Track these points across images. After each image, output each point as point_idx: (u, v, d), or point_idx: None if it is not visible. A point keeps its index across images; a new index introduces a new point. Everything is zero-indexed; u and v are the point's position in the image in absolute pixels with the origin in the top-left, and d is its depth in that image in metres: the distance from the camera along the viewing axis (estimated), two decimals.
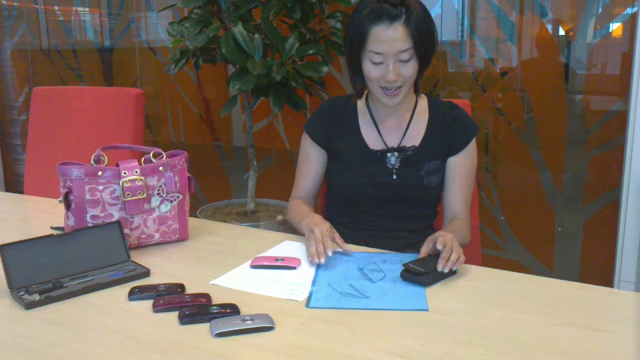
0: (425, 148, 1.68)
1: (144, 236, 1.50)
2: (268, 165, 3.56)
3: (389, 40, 1.50)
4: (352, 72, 1.65)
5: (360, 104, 1.74)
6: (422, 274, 1.29)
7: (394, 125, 1.70)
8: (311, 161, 1.75)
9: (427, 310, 1.17)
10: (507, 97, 2.91)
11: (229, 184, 3.80)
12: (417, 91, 1.71)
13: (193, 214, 3.23)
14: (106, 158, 1.46)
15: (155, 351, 1.02)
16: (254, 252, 1.48)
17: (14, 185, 4.71)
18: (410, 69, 1.55)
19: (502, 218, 3.01)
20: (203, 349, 1.02)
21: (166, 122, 3.95)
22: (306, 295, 1.24)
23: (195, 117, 3.83)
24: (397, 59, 1.52)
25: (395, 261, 1.42)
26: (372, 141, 1.70)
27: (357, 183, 1.68)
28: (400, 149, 1.68)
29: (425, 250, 1.40)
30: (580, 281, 1.31)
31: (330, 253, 1.39)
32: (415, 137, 1.69)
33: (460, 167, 1.69)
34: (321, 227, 1.46)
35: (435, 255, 1.36)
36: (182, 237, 1.57)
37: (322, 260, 1.37)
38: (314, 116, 1.77)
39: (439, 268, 1.30)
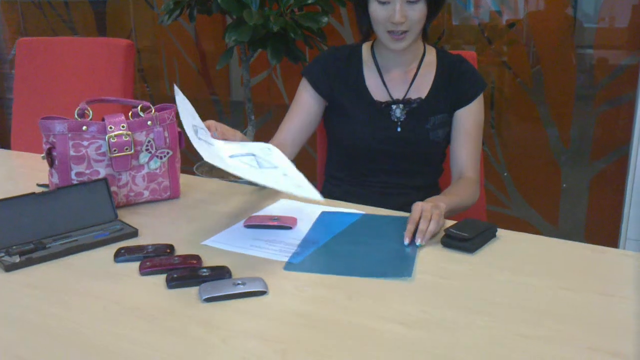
0: (431, 101, 1.60)
1: (132, 194, 1.43)
2: (266, 120, 3.47)
3: None
4: (359, 12, 1.57)
5: (366, 52, 1.65)
6: (467, 239, 1.21)
7: (399, 76, 1.61)
8: (305, 108, 1.65)
9: (410, 277, 1.09)
10: (513, 50, 2.81)
11: None
12: (425, 39, 1.62)
13: (190, 169, 3.17)
14: (91, 112, 1.38)
15: (140, 317, 0.96)
16: (248, 211, 1.41)
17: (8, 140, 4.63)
18: (418, 12, 1.46)
19: (506, 174, 2.93)
20: (190, 316, 0.96)
21: (162, 76, 3.85)
22: (302, 258, 1.17)
23: (192, 71, 3.73)
24: None
25: (388, 225, 1.33)
26: (377, 92, 1.61)
27: (360, 136, 1.60)
28: (405, 101, 1.60)
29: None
30: (586, 239, 1.24)
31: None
32: (421, 89, 1.61)
33: (467, 121, 1.62)
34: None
35: (474, 220, 1.28)
36: (173, 195, 1.50)
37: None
38: (315, 62, 1.67)
39: (406, 242, 1.22)
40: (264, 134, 3.34)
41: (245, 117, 3.03)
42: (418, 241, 1.21)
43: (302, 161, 1.58)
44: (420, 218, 1.25)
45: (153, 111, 1.42)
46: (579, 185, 2.83)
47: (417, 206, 1.28)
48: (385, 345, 0.88)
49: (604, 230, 2.80)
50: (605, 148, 2.74)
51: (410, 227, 1.24)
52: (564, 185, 2.85)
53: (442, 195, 1.47)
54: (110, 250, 1.19)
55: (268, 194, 1.57)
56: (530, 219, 2.94)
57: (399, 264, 1.14)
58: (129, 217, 1.38)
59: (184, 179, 1.66)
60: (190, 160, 3.57)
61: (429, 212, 1.26)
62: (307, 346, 0.87)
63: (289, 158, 1.59)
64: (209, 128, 1.33)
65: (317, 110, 1.65)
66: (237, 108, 3.66)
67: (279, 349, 0.87)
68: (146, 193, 1.45)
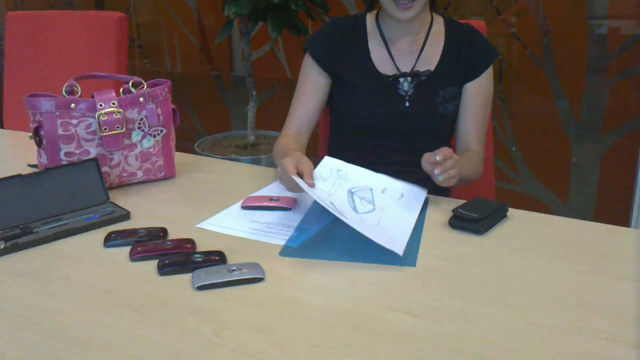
0: (441, 73, 1.52)
1: (125, 174, 1.37)
2: (269, 95, 3.39)
3: None
4: None
5: (370, 23, 1.56)
6: (476, 220, 1.14)
7: (406, 47, 1.53)
8: (313, 87, 1.56)
9: (400, 254, 1.03)
10: (523, 20, 2.72)
11: (228, 115, 3.65)
12: (433, 7, 1.54)
13: (190, 147, 3.11)
14: (79, 89, 1.31)
15: (128, 307, 0.90)
16: (247, 191, 1.35)
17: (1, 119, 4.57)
18: None
19: (514, 149, 2.86)
20: (182, 305, 0.90)
21: (162, 52, 3.77)
22: (300, 241, 1.11)
23: (193, 46, 3.65)
24: None
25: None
26: (383, 65, 1.53)
27: (366, 112, 1.53)
28: (413, 74, 1.52)
29: (425, 163, 1.26)
30: (596, 215, 1.17)
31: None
32: (430, 60, 1.53)
33: (477, 95, 1.54)
34: (286, 168, 1.21)
35: (484, 200, 1.22)
36: (168, 174, 1.43)
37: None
38: (318, 34, 1.59)
39: (437, 173, 1.21)
40: (266, 110, 3.27)
41: (247, 93, 2.96)
42: (442, 175, 1.21)
43: None
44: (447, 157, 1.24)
45: (145, 87, 1.35)
46: (590, 160, 2.75)
47: (447, 149, 1.26)
48: (390, 336, 0.82)
49: (615, 206, 2.73)
50: (618, 121, 2.66)
51: (433, 157, 1.23)
52: (574, 159, 2.77)
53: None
54: (101, 234, 1.14)
55: (269, 172, 1.50)
56: (539, 195, 2.87)
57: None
58: (122, 198, 1.32)
59: (182, 157, 1.59)
60: (191, 137, 3.51)
61: (454, 160, 1.25)
62: (306, 337, 0.82)
63: (304, 144, 1.52)
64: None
65: (325, 87, 1.57)
66: (239, 83, 3.59)
67: (276, 340, 0.81)
68: (139, 173, 1.38)
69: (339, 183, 1.23)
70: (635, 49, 2.54)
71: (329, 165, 1.28)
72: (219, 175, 1.50)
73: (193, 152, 2.99)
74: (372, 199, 1.22)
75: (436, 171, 1.22)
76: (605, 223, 1.19)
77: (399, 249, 1.03)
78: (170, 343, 0.81)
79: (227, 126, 3.64)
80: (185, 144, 3.27)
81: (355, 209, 1.15)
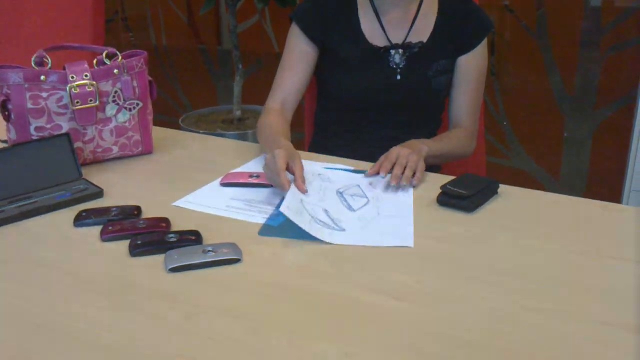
0: (433, 45, 1.46)
1: (100, 150, 1.31)
2: (256, 69, 3.31)
3: None
4: None
5: None
6: (465, 197, 1.09)
7: (398, 18, 1.47)
8: (299, 57, 1.49)
9: (411, 246, 0.97)
10: None
11: (215, 90, 3.57)
12: None
13: (174, 121, 3.04)
14: (50, 60, 1.24)
15: (96, 291, 0.84)
16: (228, 168, 1.29)
17: None
18: None
19: (505, 123, 2.81)
20: (153, 288, 0.85)
21: (147, 25, 3.67)
22: (281, 220, 1.05)
23: (179, 19, 3.55)
24: None
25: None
26: (374, 37, 1.47)
27: (356, 85, 1.47)
28: (405, 46, 1.46)
29: (378, 164, 1.23)
30: (587, 191, 1.12)
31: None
32: (422, 32, 1.47)
33: (470, 68, 1.49)
34: (271, 166, 1.13)
35: (474, 176, 1.17)
36: (146, 150, 1.37)
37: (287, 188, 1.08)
38: (305, 3, 1.51)
39: (381, 173, 1.18)
40: (253, 84, 3.19)
41: (233, 66, 2.88)
42: (393, 182, 1.17)
43: None
44: (396, 163, 1.20)
45: (120, 58, 1.29)
46: (582, 135, 2.70)
47: (393, 152, 1.23)
48: (372, 321, 0.77)
49: (607, 182, 2.70)
50: (611, 95, 2.61)
51: (386, 165, 1.20)
52: (566, 134, 2.73)
53: (426, 139, 1.36)
54: (72, 213, 1.08)
55: (252, 148, 1.44)
56: (531, 170, 2.82)
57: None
58: (96, 175, 1.26)
59: (161, 132, 1.53)
60: (176, 112, 3.44)
61: (404, 159, 1.21)
62: (283, 323, 0.77)
63: (289, 119, 1.45)
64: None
65: (313, 58, 1.50)
66: (226, 57, 3.50)
67: (250, 326, 0.76)
68: (115, 149, 1.32)
69: (325, 186, 1.18)
70: (629, 22, 2.48)
71: (310, 168, 1.22)
72: (200, 150, 1.44)
73: (177, 127, 2.93)
74: (363, 193, 1.17)
75: (392, 183, 1.17)
76: (597, 199, 1.14)
77: (409, 241, 0.98)
78: (138, 330, 0.76)
79: (214, 101, 3.57)
80: (171, 119, 3.20)
81: (350, 208, 1.10)
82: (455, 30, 1.47)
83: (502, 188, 1.18)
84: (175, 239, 0.96)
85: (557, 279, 0.87)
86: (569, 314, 0.79)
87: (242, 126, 2.84)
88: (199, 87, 3.61)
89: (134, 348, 0.72)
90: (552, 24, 2.61)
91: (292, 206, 1.01)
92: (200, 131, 2.76)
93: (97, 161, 1.33)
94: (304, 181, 1.11)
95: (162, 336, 0.74)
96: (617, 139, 2.63)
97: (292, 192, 1.06)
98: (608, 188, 2.69)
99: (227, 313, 0.79)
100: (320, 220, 1.03)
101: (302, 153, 1.38)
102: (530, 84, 2.75)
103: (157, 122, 1.46)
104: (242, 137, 2.71)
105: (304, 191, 1.09)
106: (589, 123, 2.68)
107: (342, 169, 1.27)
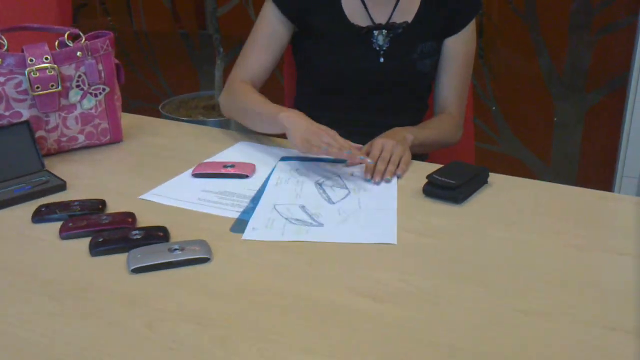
0: (419, 25, 1.38)
1: (64, 139, 1.22)
2: (238, 53, 3.22)
3: None
4: None
5: None
6: (453, 187, 1.02)
7: None
8: (270, 35, 1.40)
9: (394, 243, 0.89)
10: None
11: (197, 76, 3.47)
12: None
13: (154, 107, 2.94)
14: (6, 41, 1.15)
15: (50, 294, 0.77)
16: (203, 157, 1.22)
17: None
18: None
19: (494, 108, 2.74)
20: (113, 291, 0.77)
21: (126, 9, 3.56)
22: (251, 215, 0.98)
23: (159, 2, 3.44)
24: None
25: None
26: (356, 16, 1.38)
27: (336, 68, 1.39)
28: (389, 26, 1.37)
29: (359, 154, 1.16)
30: (579, 177, 1.06)
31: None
32: (407, 11, 1.39)
33: (458, 51, 1.41)
34: (327, 130, 1.15)
35: (462, 163, 1.10)
36: (114, 138, 1.29)
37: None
38: None
39: (366, 177, 1.12)
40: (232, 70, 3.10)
41: (214, 50, 2.79)
42: (377, 179, 1.11)
43: (269, 91, 1.37)
44: (379, 157, 1.14)
45: (83, 40, 1.20)
46: (573, 119, 2.64)
47: (377, 144, 1.17)
48: (351, 325, 0.70)
49: (598, 167, 2.64)
50: (602, 78, 2.54)
51: (369, 166, 1.13)
52: (556, 119, 2.66)
53: (411, 127, 1.29)
54: (32, 207, 1.00)
55: (228, 136, 1.36)
56: (521, 156, 2.76)
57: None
58: (60, 166, 1.17)
59: (133, 119, 1.45)
60: (156, 96, 3.34)
61: (388, 152, 1.16)
62: (254, 330, 0.70)
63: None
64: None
65: (284, 38, 1.42)
66: (209, 42, 3.40)
67: (217, 335, 0.69)
68: (81, 137, 1.24)
69: (302, 180, 1.11)
70: (620, 2, 2.41)
71: (286, 167, 1.15)
72: (173, 138, 1.36)
73: (158, 114, 2.84)
74: (343, 183, 1.09)
75: (376, 179, 1.11)
76: (588, 186, 1.08)
77: (391, 237, 0.91)
78: (93, 338, 0.68)
79: (196, 87, 3.47)
80: (151, 106, 3.11)
81: (329, 200, 1.03)
82: (442, 10, 1.39)
83: (493, 177, 1.11)
84: (140, 236, 0.88)
85: (553, 278, 0.80)
86: (567, 317, 0.72)
87: None
88: (180, 72, 3.51)
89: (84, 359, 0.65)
90: (541, 4, 2.54)
91: (260, 221, 0.95)
92: (181, 118, 2.67)
93: (62, 151, 1.24)
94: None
95: (119, 345, 0.67)
96: (609, 123, 2.57)
97: (263, 203, 1.01)
98: (600, 174, 2.63)
99: (192, 319, 0.71)
100: (297, 220, 0.96)
101: (280, 140, 1.31)
102: (519, 67, 2.68)
103: (137, 109, 1.38)
104: (224, 124, 2.62)
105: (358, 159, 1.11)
106: (579, 107, 2.61)
107: (321, 159, 1.20)
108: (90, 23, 3.60)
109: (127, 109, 1.40)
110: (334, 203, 1.02)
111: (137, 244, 0.87)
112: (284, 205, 1.01)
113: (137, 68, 3.54)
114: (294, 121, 1.17)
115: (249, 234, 0.91)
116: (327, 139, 1.12)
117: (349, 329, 0.70)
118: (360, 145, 1.16)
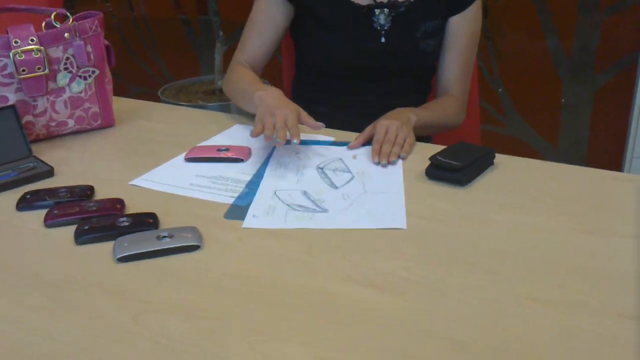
0: (422, 4, 1.33)
1: (53, 124, 1.18)
2: (238, 37, 3.16)
3: None
4: None
5: None
6: (458, 169, 0.97)
7: None
8: (270, 17, 1.36)
9: (404, 228, 0.85)
10: None
11: (197, 60, 3.42)
12: None
13: (154, 93, 2.89)
14: None
15: (32, 286, 0.73)
16: (196, 141, 1.17)
17: None
18: None
19: (501, 89, 2.68)
20: (99, 282, 0.73)
21: None
22: (250, 200, 0.93)
23: None
24: None
25: (369, 156, 1.10)
26: None
27: (336, 48, 1.34)
28: (391, 5, 1.32)
29: (363, 136, 1.15)
30: (587, 158, 1.01)
31: (297, 141, 1.02)
32: None
33: (462, 31, 1.36)
34: (285, 109, 1.07)
35: (467, 144, 1.05)
36: (106, 123, 1.25)
37: (282, 143, 1.00)
38: None
39: (374, 160, 1.07)
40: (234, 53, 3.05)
41: (214, 35, 2.74)
42: (382, 161, 1.07)
43: (267, 72, 1.32)
44: (384, 139, 1.11)
45: (71, 20, 1.15)
46: (581, 101, 2.58)
47: (382, 126, 1.13)
48: (349, 317, 0.66)
49: (607, 149, 2.58)
50: (611, 58, 2.48)
51: (375, 147, 1.10)
52: (564, 100, 2.60)
53: (414, 108, 1.25)
54: (18, 194, 0.96)
55: (224, 119, 1.32)
56: (528, 138, 2.71)
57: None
58: (48, 152, 1.13)
59: (126, 103, 1.41)
60: (158, 84, 3.29)
61: (393, 134, 1.12)
62: (246, 323, 0.65)
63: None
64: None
65: (285, 20, 1.37)
66: (210, 27, 3.34)
67: (206, 328, 0.64)
68: (71, 122, 1.20)
69: (303, 164, 1.06)
70: None
71: (284, 152, 1.10)
72: (167, 122, 1.31)
73: (157, 99, 2.79)
74: (346, 167, 1.05)
75: (383, 161, 1.07)
76: (598, 167, 1.03)
77: (401, 222, 0.86)
78: (76, 333, 0.64)
79: (196, 72, 3.42)
80: (151, 91, 3.06)
81: (333, 185, 0.98)
82: None
83: (499, 158, 1.06)
84: (127, 223, 0.84)
85: (563, 264, 0.75)
86: (578, 305, 0.67)
87: (224, 97, 2.71)
88: (181, 57, 3.46)
89: (66, 356, 0.61)
90: None
91: (261, 208, 0.90)
92: (181, 103, 2.62)
93: (52, 136, 1.20)
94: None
95: (103, 340, 0.63)
96: (619, 103, 2.51)
97: (262, 189, 0.96)
98: (609, 156, 2.58)
99: (180, 311, 0.67)
100: (299, 206, 0.91)
101: None
102: (526, 47, 2.61)
103: (136, 95, 1.33)
104: (224, 109, 2.58)
105: (320, 126, 1.07)
106: (588, 88, 2.55)
107: (321, 142, 1.15)
108: (88, 9, 3.54)
109: (127, 95, 1.35)
110: (337, 188, 0.97)
111: (124, 231, 0.83)
112: (285, 191, 0.96)
113: (137, 54, 3.49)
114: (263, 100, 1.12)
115: (249, 221, 0.87)
116: (276, 120, 1.04)
117: (350, 321, 0.65)
118: (322, 124, 1.08)
